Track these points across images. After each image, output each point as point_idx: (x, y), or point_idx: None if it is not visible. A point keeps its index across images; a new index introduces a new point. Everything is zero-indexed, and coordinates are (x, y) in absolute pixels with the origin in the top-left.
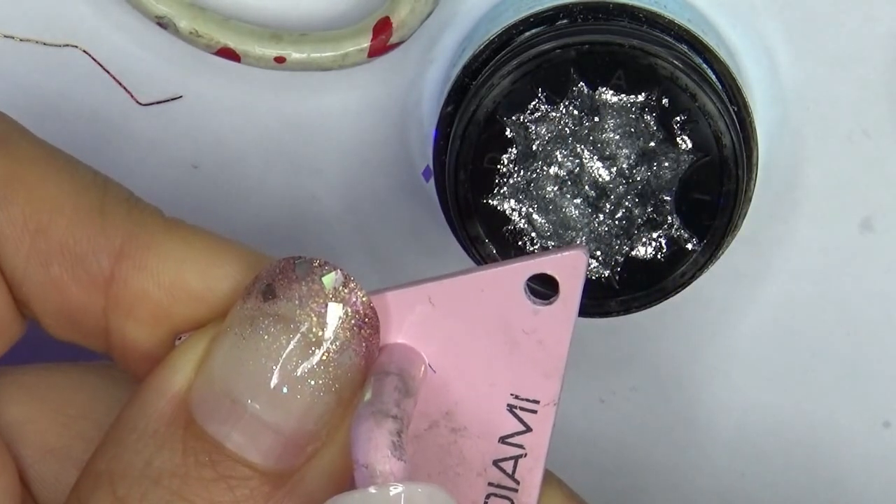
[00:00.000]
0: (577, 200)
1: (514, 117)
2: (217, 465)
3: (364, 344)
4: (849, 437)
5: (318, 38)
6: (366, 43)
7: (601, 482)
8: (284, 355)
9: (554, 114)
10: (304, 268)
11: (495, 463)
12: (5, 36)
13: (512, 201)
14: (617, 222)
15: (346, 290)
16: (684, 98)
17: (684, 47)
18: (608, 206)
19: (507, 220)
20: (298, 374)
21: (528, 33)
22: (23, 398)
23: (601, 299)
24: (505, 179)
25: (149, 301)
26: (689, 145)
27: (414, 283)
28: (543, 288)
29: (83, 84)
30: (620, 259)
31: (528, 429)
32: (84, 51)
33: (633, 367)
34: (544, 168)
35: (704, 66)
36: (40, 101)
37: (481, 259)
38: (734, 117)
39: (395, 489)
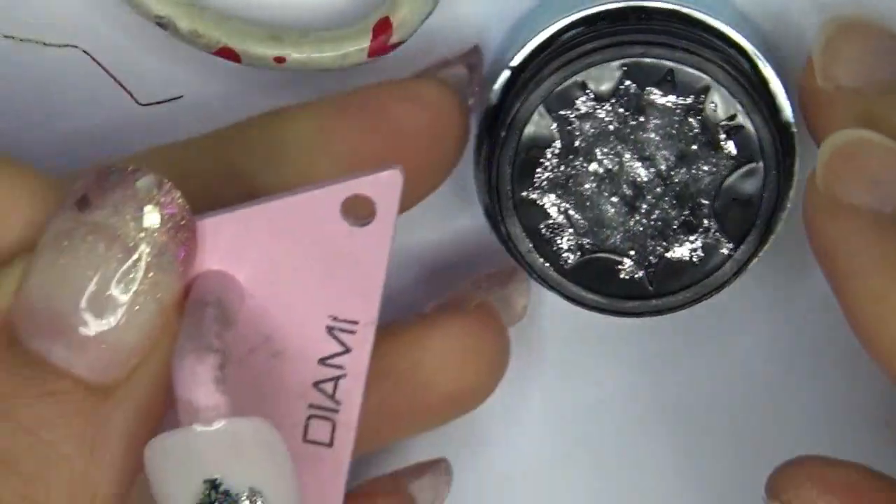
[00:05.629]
0: (614, 199)
1: (560, 112)
2: (42, 382)
3: (182, 248)
4: (849, 437)
5: (318, 38)
6: (366, 43)
7: (601, 482)
8: (103, 264)
9: (600, 112)
10: (118, 175)
11: (315, 385)
12: (5, 36)
13: (551, 196)
14: (653, 223)
15: (160, 193)
16: (730, 103)
17: (733, 53)
18: (644, 207)
19: (546, 215)
20: (118, 281)
21: (572, 32)
22: None
23: (633, 300)
24: (545, 174)
25: None
26: (732, 151)
27: (229, 209)
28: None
29: (83, 84)
30: (654, 260)
31: (348, 349)
32: (84, 51)
33: (633, 367)
34: (584, 165)
35: (751, 72)
36: (40, 101)
37: (518, 255)
38: (778, 125)
39: (219, 424)
